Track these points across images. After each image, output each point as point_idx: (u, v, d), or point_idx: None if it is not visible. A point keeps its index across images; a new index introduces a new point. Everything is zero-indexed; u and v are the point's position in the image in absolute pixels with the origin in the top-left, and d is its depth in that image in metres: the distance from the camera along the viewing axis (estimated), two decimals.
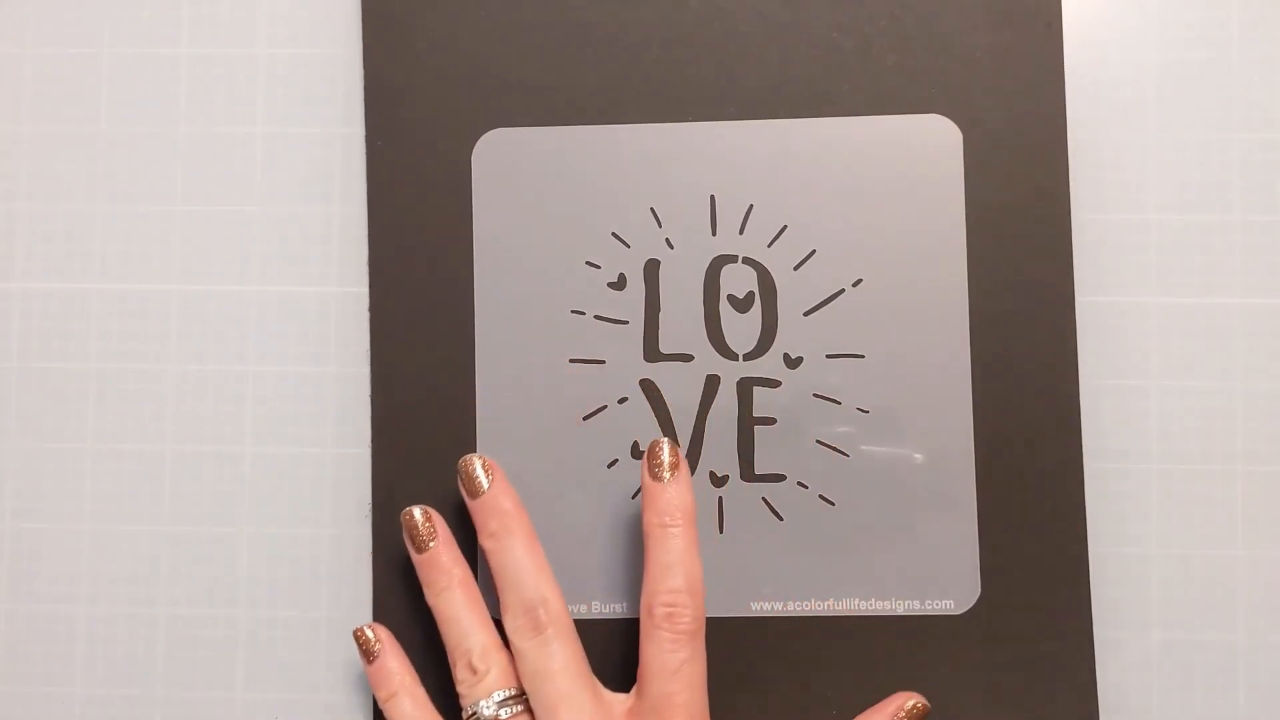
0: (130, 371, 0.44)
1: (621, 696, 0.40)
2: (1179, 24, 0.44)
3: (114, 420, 0.44)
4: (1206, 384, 0.43)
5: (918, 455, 0.42)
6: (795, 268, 0.42)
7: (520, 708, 0.39)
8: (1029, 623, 0.41)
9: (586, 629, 0.41)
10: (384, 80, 0.44)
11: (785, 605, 0.42)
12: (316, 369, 0.44)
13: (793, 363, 0.42)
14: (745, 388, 0.42)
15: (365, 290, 0.44)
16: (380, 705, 0.41)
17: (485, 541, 0.40)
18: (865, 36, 0.43)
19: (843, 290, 0.42)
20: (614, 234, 0.43)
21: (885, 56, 0.43)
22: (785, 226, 0.43)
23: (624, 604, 0.42)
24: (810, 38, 0.43)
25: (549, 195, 0.43)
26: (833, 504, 0.42)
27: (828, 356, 0.42)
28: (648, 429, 0.42)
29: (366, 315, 0.43)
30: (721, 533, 0.42)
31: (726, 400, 0.42)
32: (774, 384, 0.42)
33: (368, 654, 0.41)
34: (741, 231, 0.43)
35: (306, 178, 0.45)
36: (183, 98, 0.45)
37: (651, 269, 0.43)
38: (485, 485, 0.41)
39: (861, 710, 0.41)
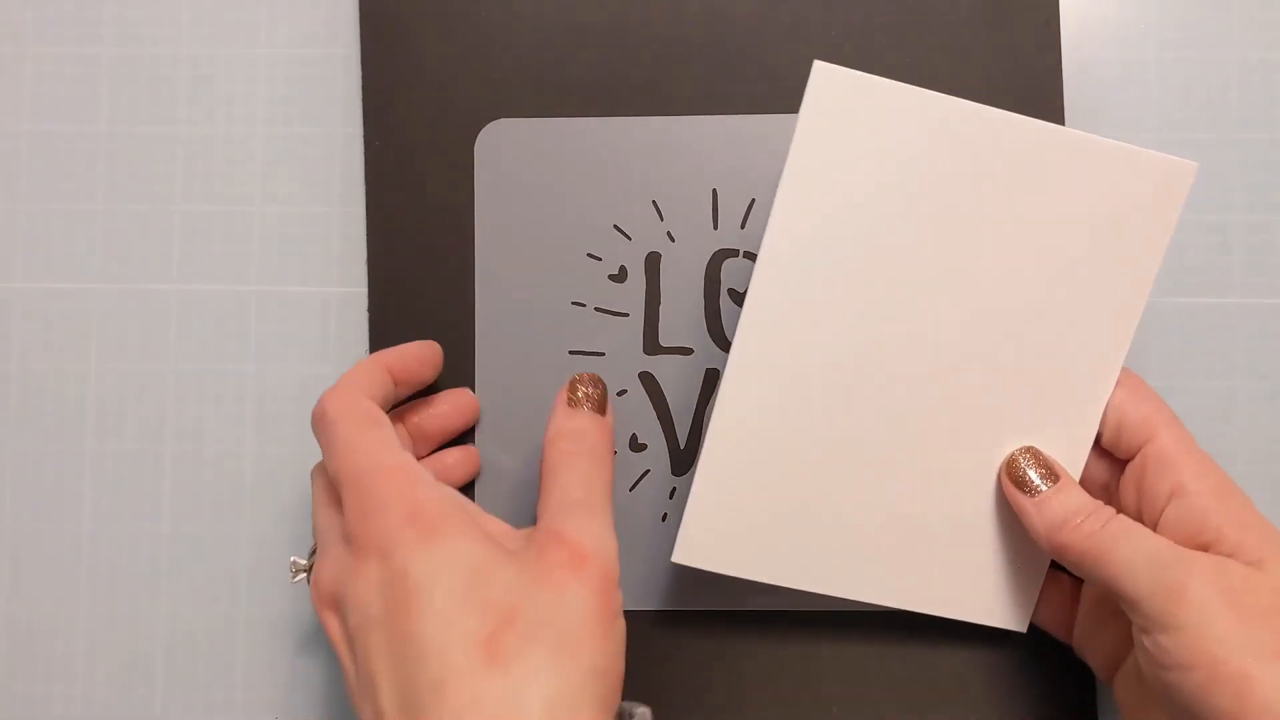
0: (130, 371, 0.44)
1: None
2: (1177, 22, 0.44)
3: (114, 420, 0.44)
4: (1206, 384, 0.43)
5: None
6: None
7: None
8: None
9: None
10: (382, 74, 0.43)
11: (783, 599, 0.42)
12: (317, 369, 0.44)
13: None
14: None
15: (363, 290, 0.44)
16: None
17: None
18: (864, 35, 0.43)
19: None
20: (615, 226, 0.43)
21: (884, 55, 0.43)
22: None
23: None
24: (809, 36, 0.43)
25: (551, 187, 0.43)
26: None
27: None
28: (647, 421, 0.43)
29: (366, 315, 0.43)
30: None
31: None
32: None
33: None
34: (743, 226, 0.43)
35: (306, 178, 0.45)
36: (183, 98, 0.45)
37: (653, 262, 0.43)
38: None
39: (859, 707, 0.41)
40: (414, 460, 0.35)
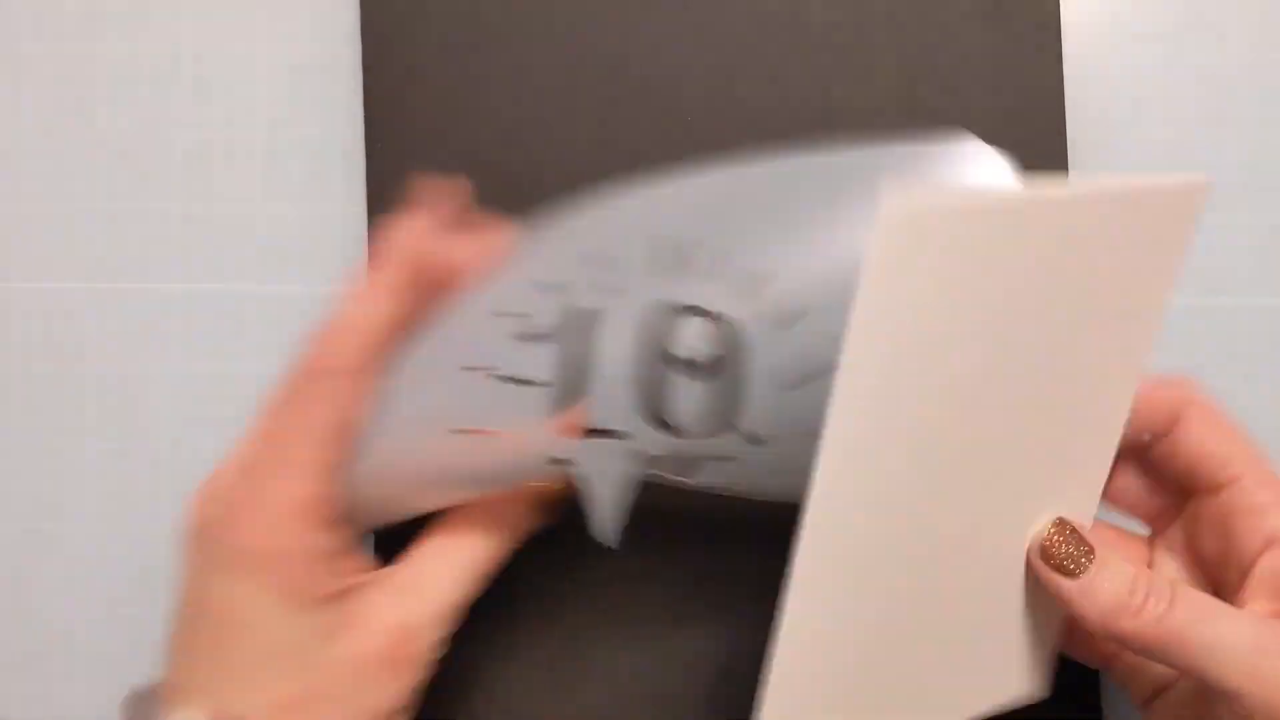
0: (130, 371, 0.44)
1: None
2: (1178, 22, 0.44)
3: (114, 420, 0.44)
4: (1207, 384, 0.43)
5: None
6: None
7: None
8: None
9: None
10: (383, 80, 0.43)
11: None
12: None
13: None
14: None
15: None
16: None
17: None
18: (865, 34, 0.43)
19: None
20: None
21: (884, 55, 0.43)
22: None
23: None
24: (810, 36, 0.43)
25: None
26: None
27: None
28: None
29: None
30: None
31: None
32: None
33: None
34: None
35: (307, 178, 0.45)
36: (183, 97, 0.45)
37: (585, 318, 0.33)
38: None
39: None
40: (324, 498, 0.33)
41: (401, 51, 0.43)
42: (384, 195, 0.43)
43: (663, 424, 0.33)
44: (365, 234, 0.43)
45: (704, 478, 0.33)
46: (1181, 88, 0.44)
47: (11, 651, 0.44)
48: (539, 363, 0.32)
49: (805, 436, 0.29)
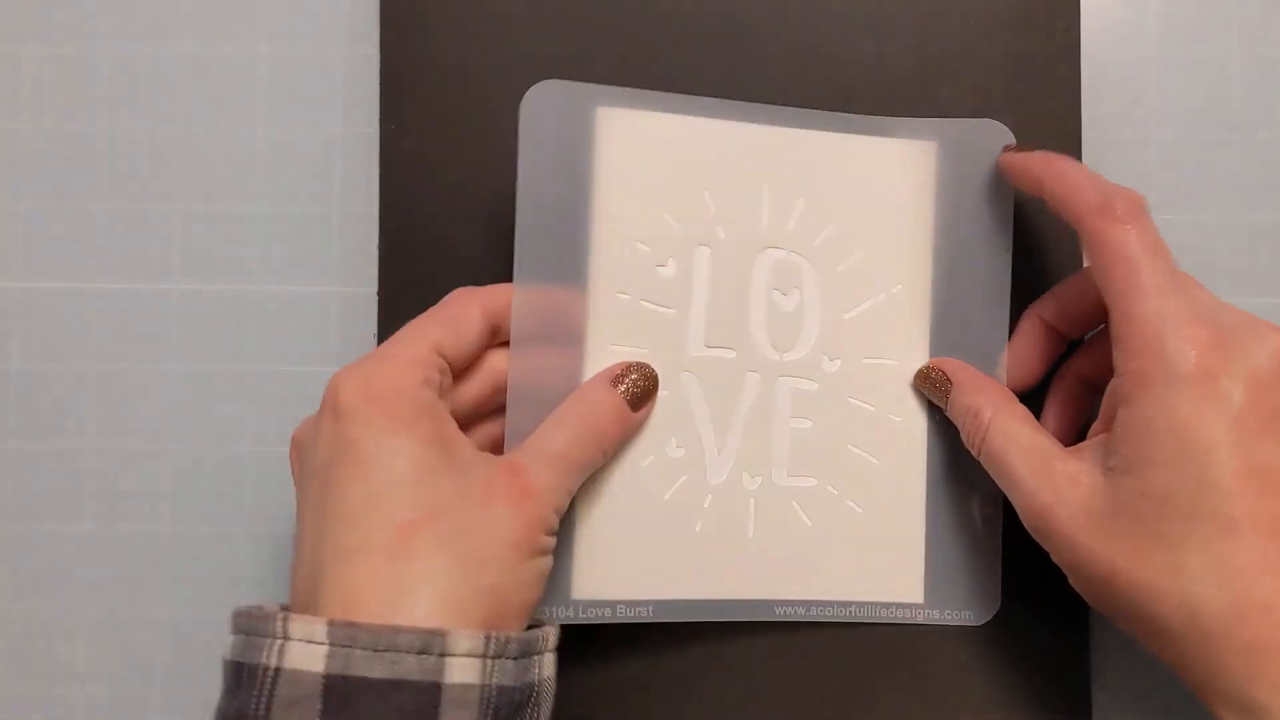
0: (130, 371, 0.44)
1: None
2: (1179, 21, 0.45)
3: (114, 420, 0.44)
4: None
5: (945, 465, 0.42)
6: (840, 269, 0.41)
7: None
8: (1047, 636, 0.42)
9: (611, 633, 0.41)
10: (401, 58, 0.43)
11: (809, 611, 0.41)
12: (317, 369, 0.44)
13: (831, 364, 0.42)
14: (784, 387, 0.41)
15: (365, 290, 0.44)
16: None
17: None
18: (885, 36, 0.43)
19: (883, 294, 0.42)
20: (665, 215, 0.41)
21: (905, 56, 0.43)
22: (831, 226, 0.42)
23: (648, 609, 0.41)
24: (829, 38, 0.43)
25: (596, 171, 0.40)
26: (860, 510, 0.41)
27: (865, 360, 0.42)
28: (683, 425, 0.41)
29: (368, 315, 0.43)
30: (750, 535, 0.41)
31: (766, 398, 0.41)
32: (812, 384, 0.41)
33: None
34: (790, 225, 0.41)
35: (307, 177, 0.44)
36: (182, 97, 0.45)
37: (701, 254, 0.41)
38: None
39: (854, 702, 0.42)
40: (431, 365, 0.36)
41: (419, 47, 0.43)
42: (399, 184, 0.43)
43: (762, 342, 0.41)
44: (367, 233, 0.43)
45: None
46: (1183, 87, 0.44)
47: (10, 651, 0.44)
48: (670, 291, 0.40)
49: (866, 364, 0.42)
